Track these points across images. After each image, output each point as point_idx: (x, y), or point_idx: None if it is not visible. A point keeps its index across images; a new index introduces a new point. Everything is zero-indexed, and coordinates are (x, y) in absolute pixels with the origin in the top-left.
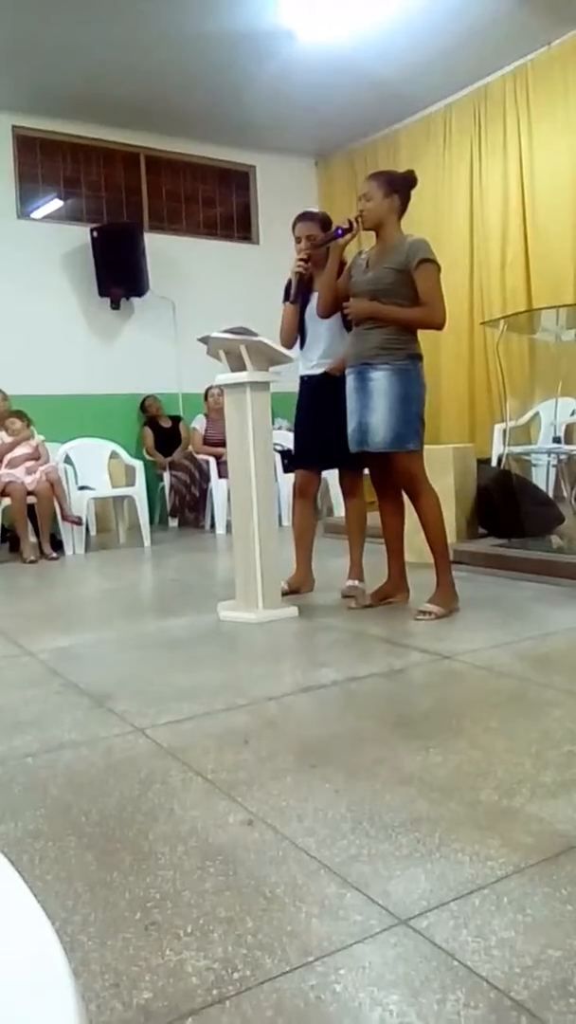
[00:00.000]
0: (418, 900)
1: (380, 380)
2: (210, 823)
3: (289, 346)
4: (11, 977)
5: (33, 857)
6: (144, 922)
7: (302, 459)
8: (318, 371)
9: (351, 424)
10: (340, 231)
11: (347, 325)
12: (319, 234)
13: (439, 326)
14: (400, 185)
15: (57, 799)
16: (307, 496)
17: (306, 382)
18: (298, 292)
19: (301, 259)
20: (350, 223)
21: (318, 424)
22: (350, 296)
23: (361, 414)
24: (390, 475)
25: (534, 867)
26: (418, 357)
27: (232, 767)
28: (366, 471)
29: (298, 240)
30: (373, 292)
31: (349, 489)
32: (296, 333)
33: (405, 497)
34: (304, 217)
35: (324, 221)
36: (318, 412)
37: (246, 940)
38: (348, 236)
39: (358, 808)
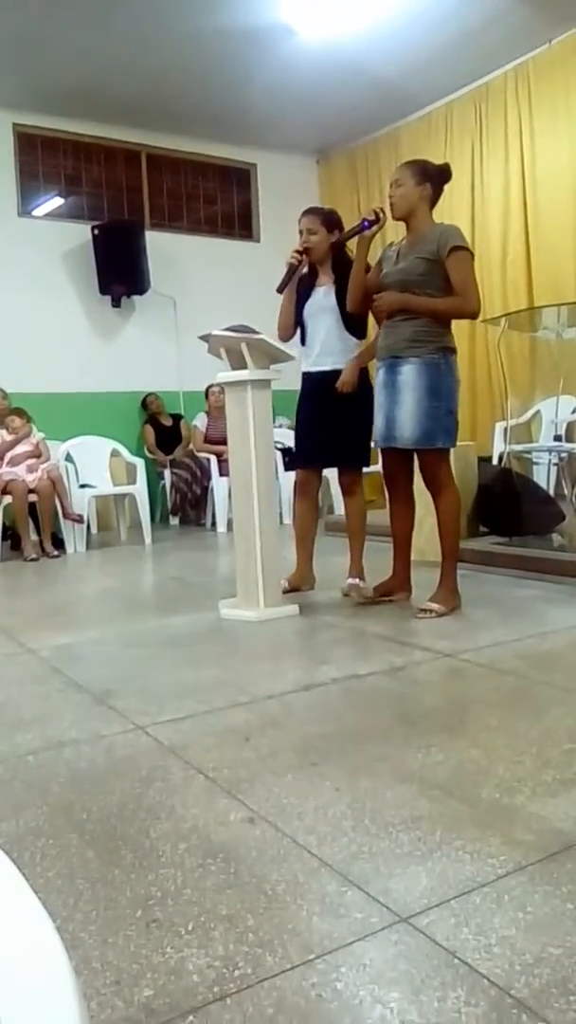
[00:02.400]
0: (419, 898)
1: (409, 373)
2: (211, 821)
3: (285, 338)
4: (12, 974)
5: (34, 855)
6: (145, 920)
7: (302, 457)
8: (317, 368)
9: (378, 419)
10: (367, 223)
11: (347, 323)
12: (320, 229)
13: (473, 315)
14: (434, 175)
15: (58, 797)
16: (308, 494)
17: (307, 379)
18: (286, 281)
19: (297, 250)
20: (376, 214)
21: (318, 422)
22: (379, 289)
23: (389, 409)
24: (407, 473)
25: (535, 865)
26: (451, 350)
27: (233, 765)
28: (365, 469)
29: (300, 233)
30: (404, 283)
31: (348, 487)
32: (293, 325)
33: (417, 495)
34: (310, 211)
35: (330, 218)
36: (319, 410)
37: (247, 938)
38: (375, 228)
39: (359, 806)
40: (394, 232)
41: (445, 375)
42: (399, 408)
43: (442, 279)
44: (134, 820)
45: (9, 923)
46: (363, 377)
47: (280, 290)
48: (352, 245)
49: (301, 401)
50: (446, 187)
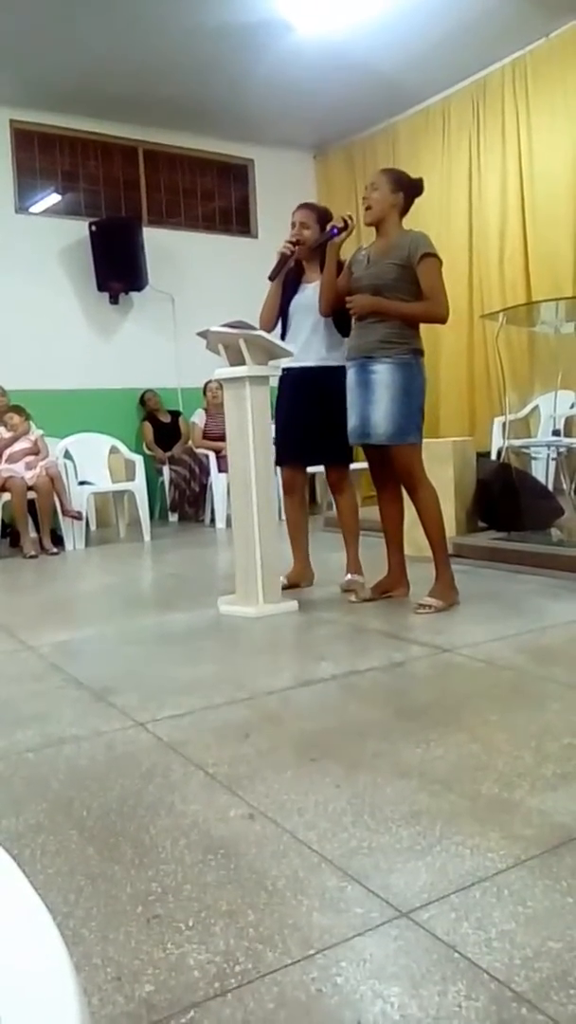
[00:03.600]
0: (419, 893)
1: (382, 373)
2: (211, 817)
3: (267, 330)
4: (13, 971)
5: (35, 851)
6: (146, 916)
7: (284, 454)
8: (299, 364)
9: (352, 418)
10: (335, 230)
11: (334, 319)
12: (313, 224)
13: (442, 320)
14: (407, 186)
15: (58, 793)
16: (294, 492)
17: (287, 375)
18: (278, 270)
19: (290, 240)
20: (344, 222)
21: (300, 419)
22: (351, 292)
23: (362, 407)
24: (389, 468)
25: (534, 859)
26: (420, 352)
27: (233, 761)
28: (353, 466)
29: (293, 225)
30: (376, 287)
31: (336, 485)
32: (277, 315)
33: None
34: (305, 206)
35: (323, 214)
36: (300, 406)
37: (247, 933)
38: (343, 235)
39: (359, 801)
40: (358, 237)
41: (416, 375)
42: (373, 406)
43: (412, 284)
44: (134, 816)
45: (10, 919)
46: (344, 375)
47: (272, 277)
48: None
49: (280, 398)
50: (444, 182)
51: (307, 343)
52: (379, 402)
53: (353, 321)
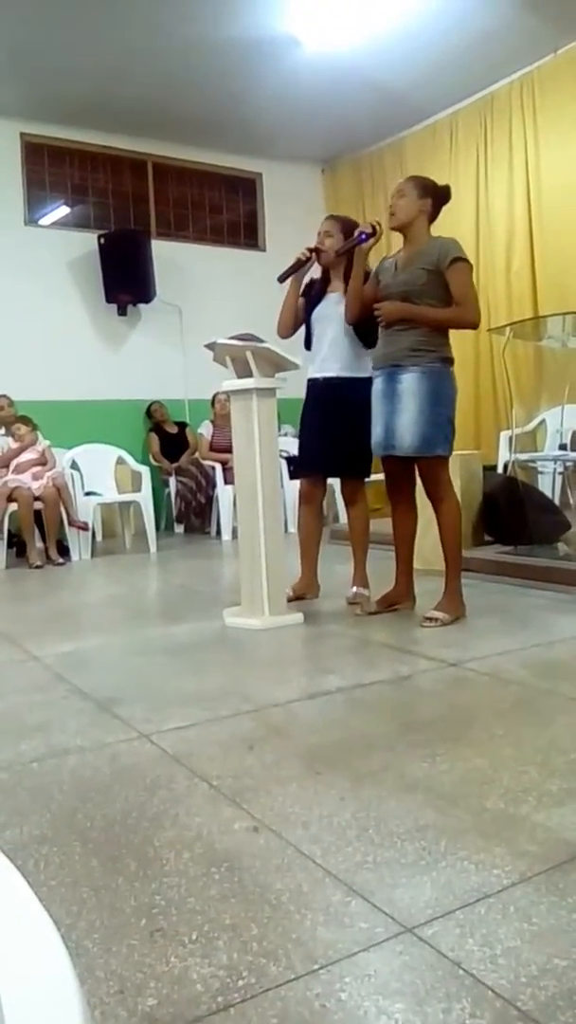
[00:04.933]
0: (424, 908)
1: (409, 382)
2: (215, 829)
3: (284, 335)
4: (17, 982)
5: (38, 862)
6: (149, 928)
7: (306, 465)
8: (322, 374)
9: (377, 427)
10: (363, 236)
11: (357, 330)
12: (337, 234)
13: (474, 325)
14: (434, 192)
15: (62, 804)
16: (312, 502)
17: (312, 385)
18: (290, 272)
19: (309, 248)
20: (373, 228)
21: (322, 430)
22: (378, 299)
23: (388, 417)
24: (407, 481)
25: (540, 876)
26: (450, 360)
27: (237, 773)
28: (368, 479)
29: (319, 235)
30: (406, 294)
31: (350, 497)
32: (294, 325)
33: (419, 503)
34: (333, 216)
35: (348, 225)
36: (322, 418)
37: (251, 947)
38: (371, 241)
39: (364, 815)
40: (388, 246)
41: (445, 384)
42: (399, 416)
43: (442, 290)
44: (138, 828)
45: (14, 931)
46: (367, 386)
47: (281, 279)
48: None
49: (305, 408)
50: (452, 196)
51: (329, 354)
52: (405, 412)
53: (381, 329)
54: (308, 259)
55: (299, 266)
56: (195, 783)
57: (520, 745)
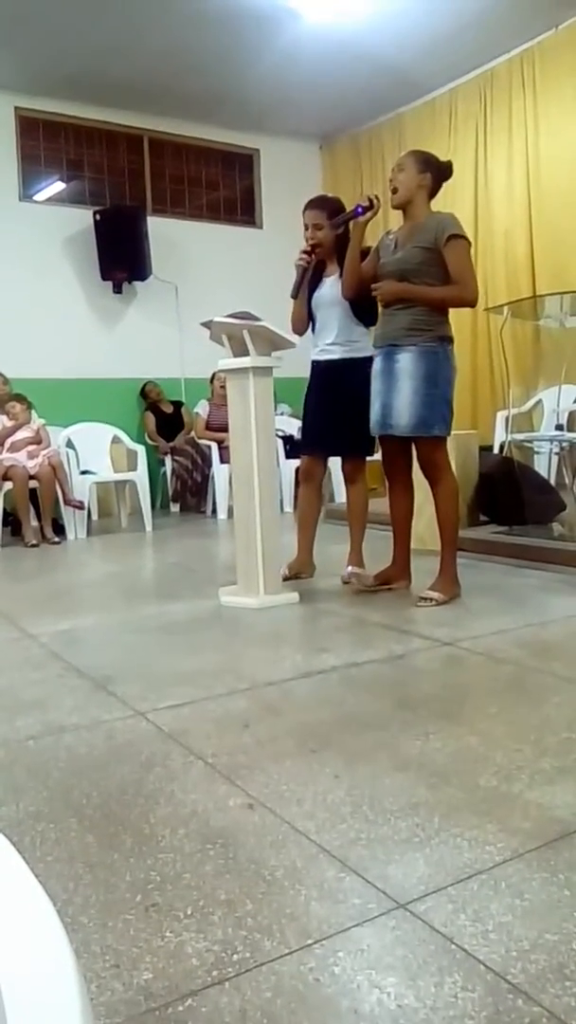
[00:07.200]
0: (416, 884)
1: (406, 361)
2: (210, 806)
3: (300, 331)
4: (13, 957)
5: (35, 839)
6: (144, 904)
7: (308, 444)
8: (325, 357)
9: (375, 406)
10: (360, 209)
11: (356, 310)
12: (325, 222)
13: (471, 303)
14: (435, 167)
15: (59, 782)
16: (312, 481)
17: (315, 367)
18: (299, 286)
19: (304, 251)
20: (370, 201)
21: (324, 410)
22: (377, 278)
23: (385, 396)
24: (404, 460)
25: (532, 852)
26: (448, 339)
27: (232, 751)
28: (369, 458)
29: (306, 227)
30: (402, 272)
31: (350, 475)
32: (306, 319)
33: (416, 483)
34: (313, 204)
35: (335, 207)
36: (325, 398)
37: (246, 922)
38: (368, 214)
39: (357, 793)
40: (384, 221)
41: (443, 363)
42: (396, 395)
43: (440, 268)
44: (134, 805)
45: (10, 906)
46: (368, 366)
47: (294, 295)
48: None
49: (309, 389)
50: (451, 174)
51: (331, 335)
52: (402, 392)
53: (380, 308)
54: (309, 262)
55: (304, 274)
56: (190, 760)
57: (513, 724)
